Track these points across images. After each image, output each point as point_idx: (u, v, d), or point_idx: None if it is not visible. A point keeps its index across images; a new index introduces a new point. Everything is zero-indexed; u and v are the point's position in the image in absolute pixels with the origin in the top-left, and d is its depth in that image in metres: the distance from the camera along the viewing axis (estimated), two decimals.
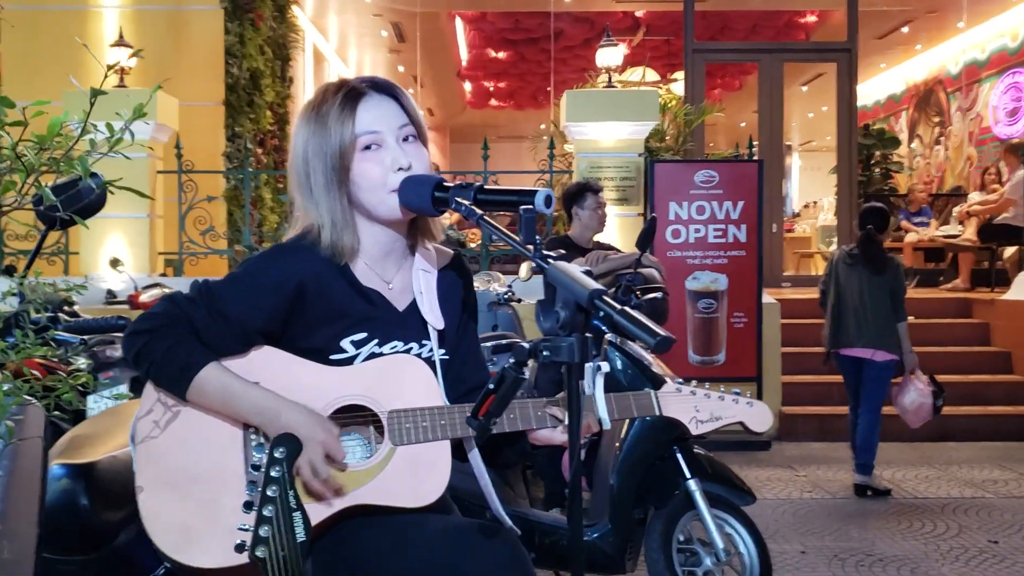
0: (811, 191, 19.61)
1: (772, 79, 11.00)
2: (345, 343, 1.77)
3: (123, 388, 3.36)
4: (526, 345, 1.36)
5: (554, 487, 4.34)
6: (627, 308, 1.28)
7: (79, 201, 2.22)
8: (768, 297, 7.56)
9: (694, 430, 1.91)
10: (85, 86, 7.37)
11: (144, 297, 5.62)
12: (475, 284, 5.95)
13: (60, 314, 2.45)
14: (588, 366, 1.67)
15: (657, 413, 1.86)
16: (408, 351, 1.82)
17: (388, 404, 1.74)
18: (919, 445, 7.00)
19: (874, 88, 16.80)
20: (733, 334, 7.09)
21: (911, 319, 8.43)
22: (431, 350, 1.85)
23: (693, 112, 8.69)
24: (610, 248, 5.24)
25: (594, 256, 4.89)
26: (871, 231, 5.65)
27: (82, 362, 3.13)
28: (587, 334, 1.32)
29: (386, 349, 1.80)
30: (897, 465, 6.34)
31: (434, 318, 1.85)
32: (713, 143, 17.56)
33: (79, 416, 3.04)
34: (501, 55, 16.38)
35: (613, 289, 4.10)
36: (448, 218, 10.81)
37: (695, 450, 3.61)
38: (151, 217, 7.57)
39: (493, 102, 19.72)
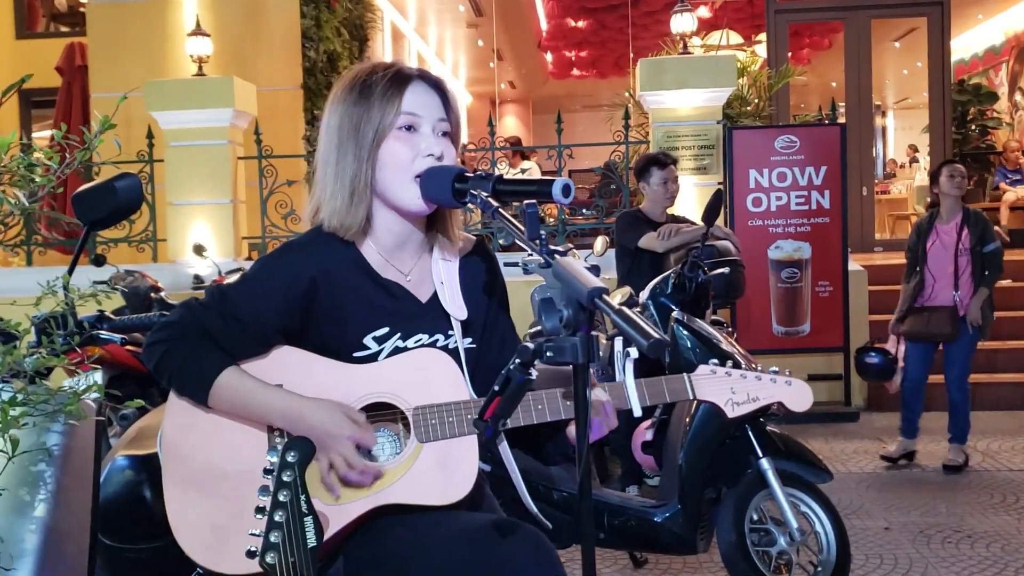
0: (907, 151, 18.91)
1: (859, 37, 10.64)
2: (368, 340, 1.76)
3: None
4: (531, 345, 1.33)
5: (631, 465, 4.31)
6: (624, 308, 1.23)
7: (114, 203, 2.26)
8: (855, 264, 7.35)
9: (730, 413, 1.86)
10: (167, 76, 7.57)
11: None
12: None
13: (106, 312, 2.51)
14: (618, 352, 1.64)
15: (691, 397, 1.81)
16: (434, 344, 1.80)
17: (414, 400, 1.72)
18: (1018, 414, 6.73)
19: (972, 41, 16.07)
20: (818, 303, 6.92)
21: (1008, 282, 8.13)
22: (456, 341, 1.82)
23: (774, 76, 8.45)
24: (684, 220, 5.15)
25: (666, 229, 4.81)
26: None
27: None
28: (592, 333, 1.28)
29: (410, 343, 1.78)
30: (993, 435, 6.10)
31: (456, 308, 1.82)
32: (804, 104, 17.08)
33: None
34: (581, 24, 16.19)
35: (681, 264, 4.03)
36: None
37: (768, 428, 3.54)
38: (234, 203, 7.72)
39: (575, 72, 19.54)
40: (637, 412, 1.63)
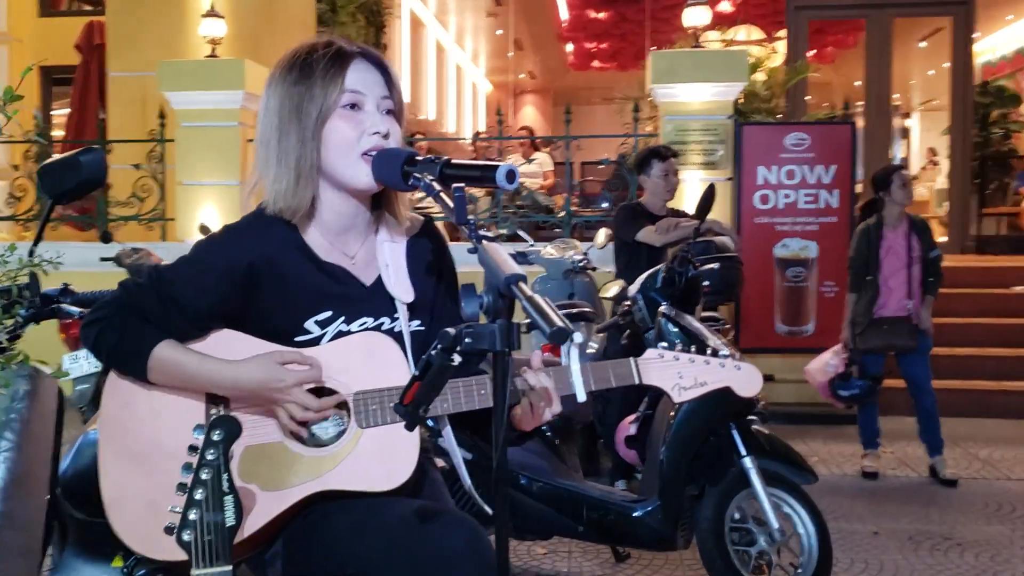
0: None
1: (881, 36, 10.51)
2: (309, 324, 1.74)
3: None
4: (452, 331, 1.31)
5: (620, 459, 4.28)
6: (535, 296, 1.21)
7: (78, 177, 2.28)
8: None
9: (677, 397, 1.82)
10: (183, 57, 7.60)
11: None
12: (551, 251, 5.88)
13: (70, 286, 2.53)
14: None
15: (636, 381, 1.78)
16: (379, 327, 1.77)
17: (355, 385, 1.70)
18: (1022, 423, 6.64)
19: (1000, 42, 15.84)
20: (823, 304, 6.85)
21: (1020, 289, 8.03)
22: (401, 324, 1.79)
23: (788, 72, 8.36)
24: (684, 215, 5.10)
25: (664, 224, 4.77)
26: None
27: None
28: (512, 320, 1.26)
29: (354, 327, 1.76)
30: (996, 444, 6.03)
31: (402, 291, 1.79)
32: (827, 103, 16.91)
33: None
34: (601, 15, 16.12)
35: (672, 258, 3.99)
36: (545, 181, 10.67)
37: (753, 427, 3.49)
38: (242, 184, 7.73)
39: (596, 64, 19.47)
40: (581, 397, 1.61)
